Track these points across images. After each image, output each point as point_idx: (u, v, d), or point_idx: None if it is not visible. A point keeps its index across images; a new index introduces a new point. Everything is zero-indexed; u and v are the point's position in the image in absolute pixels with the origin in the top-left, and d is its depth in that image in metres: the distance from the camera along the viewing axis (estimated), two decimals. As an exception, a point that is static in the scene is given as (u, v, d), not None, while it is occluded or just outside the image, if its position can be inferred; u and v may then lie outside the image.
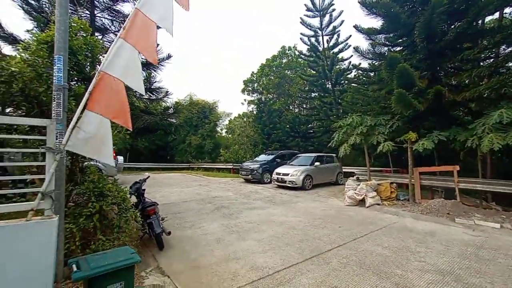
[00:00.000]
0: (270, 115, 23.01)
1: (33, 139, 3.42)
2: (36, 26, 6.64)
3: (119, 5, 7.97)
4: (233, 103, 74.69)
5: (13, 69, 3.03)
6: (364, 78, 12.65)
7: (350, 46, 17.98)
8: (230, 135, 33.24)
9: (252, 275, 3.59)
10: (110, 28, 8.07)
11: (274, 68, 30.80)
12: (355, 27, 10.63)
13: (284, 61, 30.99)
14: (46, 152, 2.16)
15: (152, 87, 8.70)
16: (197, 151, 27.05)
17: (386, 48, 10.83)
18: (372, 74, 12.22)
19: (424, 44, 8.67)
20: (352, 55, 16.73)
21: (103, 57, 5.15)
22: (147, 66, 7.34)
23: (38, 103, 3.51)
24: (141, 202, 4.90)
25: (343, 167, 13.91)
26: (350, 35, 18.30)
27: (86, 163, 4.24)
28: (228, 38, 76.22)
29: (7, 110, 4.01)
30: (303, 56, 22.15)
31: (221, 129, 35.83)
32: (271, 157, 14.75)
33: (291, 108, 29.03)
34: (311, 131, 21.47)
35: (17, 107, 3.43)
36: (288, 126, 22.19)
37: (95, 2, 7.72)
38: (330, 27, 18.68)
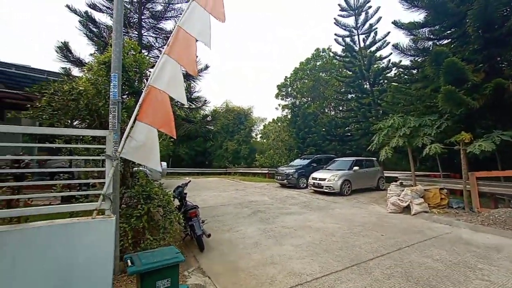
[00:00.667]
0: (304, 119, 22.69)
1: (93, 148, 3.90)
2: (96, 49, 7.64)
3: (162, 23, 8.77)
4: (267, 108, 75.36)
5: (80, 88, 3.51)
6: (405, 76, 11.84)
7: (388, 43, 16.95)
8: (265, 140, 33.50)
9: (290, 280, 3.58)
10: (154, 45, 8.89)
11: (308, 71, 30.40)
12: (394, 23, 10.07)
13: (318, 63, 30.43)
14: (106, 159, 2.48)
15: (192, 96, 9.29)
16: (233, 156, 27.79)
17: (430, 43, 10.01)
18: (415, 71, 11.37)
19: (479, 33, 7.79)
20: (391, 53, 15.72)
21: (149, 71, 5.68)
22: (187, 77, 7.86)
23: (98, 116, 4.00)
24: (184, 205, 5.21)
25: (384, 171, 13.07)
26: (389, 32, 17.19)
27: (135, 168, 4.69)
28: (247, 43, 77.28)
29: (74, 123, 4.65)
30: (338, 57, 21.51)
31: (256, 135, 36.31)
32: (306, 161, 14.51)
33: (326, 111, 28.27)
34: (349, 134, 20.61)
35: (82, 120, 3.95)
36: (324, 129, 21.62)
37: (142, 22, 8.58)
38: (366, 26, 17.89)
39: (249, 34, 78.96)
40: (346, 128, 20.86)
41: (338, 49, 26.92)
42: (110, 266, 2.31)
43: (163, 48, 10.54)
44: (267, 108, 75.82)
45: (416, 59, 10.65)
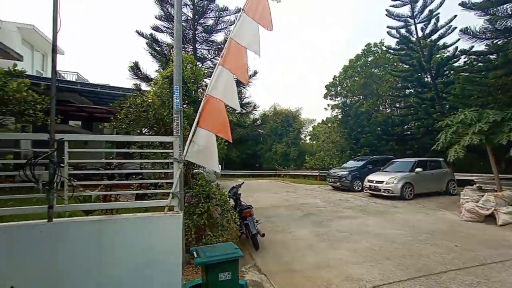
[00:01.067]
0: (357, 119, 21.41)
1: (160, 152, 4.43)
2: (159, 65, 8.71)
3: (213, 36, 9.45)
4: (315, 110, 73.39)
5: (149, 100, 4.05)
6: (480, 64, 10.24)
7: (454, 29, 14.71)
8: (314, 142, 32.68)
9: (348, 285, 3.47)
10: (207, 57, 9.64)
11: (358, 69, 28.70)
12: (463, 4, 8.86)
13: (369, 59, 28.47)
14: (173, 162, 2.82)
15: (243, 102, 9.76)
16: (282, 158, 27.84)
17: (513, 21, 8.50)
18: (493, 57, 9.76)
19: None
20: (458, 39, 13.44)
21: (205, 81, 6.19)
22: (238, 84, 8.34)
23: (163, 124, 4.53)
24: (238, 205, 5.49)
25: (455, 173, 11.46)
26: (455, 16, 14.91)
27: (195, 170, 5.14)
28: (288, 46, 75.92)
29: (143, 131, 5.35)
30: (392, 51, 19.79)
31: (305, 136, 35.68)
32: (361, 163, 13.69)
33: (381, 109, 26.18)
34: (408, 132, 18.69)
35: (151, 128, 4.53)
36: (379, 128, 20.06)
37: (196, 37, 9.41)
38: (425, 12, 16.03)
39: (291, 37, 78.33)
40: (405, 127, 18.96)
41: (392, 42, 24.75)
42: (180, 255, 2.61)
43: (215, 59, 11.46)
44: (315, 109, 73.89)
45: (494, 42, 9.14)
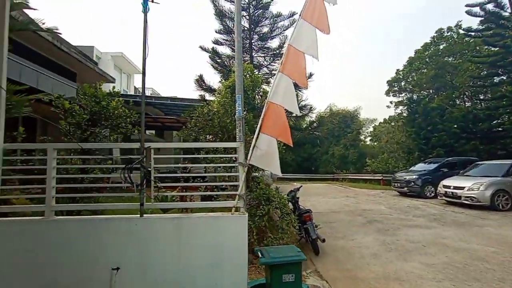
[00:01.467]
0: (426, 115, 18.94)
1: (223, 157, 4.78)
2: (221, 76, 9.45)
3: (268, 42, 9.76)
4: (376, 108, 67.77)
5: (214, 109, 4.45)
6: None
7: None
8: (375, 143, 30.26)
9: (424, 302, 3.15)
10: (263, 64, 9.99)
11: (427, 59, 25.48)
12: None
13: (441, 47, 24.98)
14: (239, 165, 3.05)
15: (299, 105, 9.79)
16: (340, 161, 26.50)
17: None
18: None
19: None
20: None
21: (263, 88, 6.44)
22: (294, 87, 8.37)
23: (226, 131, 4.90)
24: (297, 208, 5.50)
25: None
26: None
27: (254, 174, 5.37)
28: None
29: (207, 137, 5.85)
30: (472, 33, 16.97)
31: (365, 137, 33.30)
32: (433, 166, 12.12)
33: (458, 102, 22.61)
34: (500, 128, 15.67)
35: (215, 135, 4.94)
36: (456, 126, 17.40)
37: (253, 46, 9.85)
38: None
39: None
40: (494, 122, 15.98)
41: (472, 23, 21.22)
42: (245, 254, 2.80)
43: (270, 66, 11.83)
44: (376, 108, 68.20)
45: None
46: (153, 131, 14.07)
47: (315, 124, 11.12)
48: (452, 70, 22.93)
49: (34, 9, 4.68)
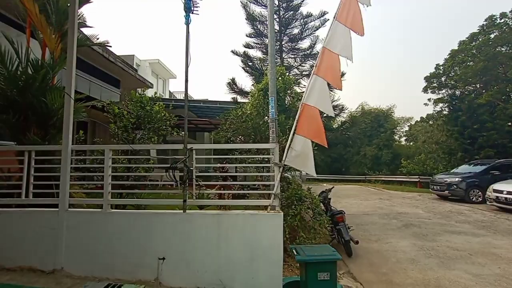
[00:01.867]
0: (472, 113, 17.36)
1: (256, 157, 4.93)
2: (252, 79, 9.69)
3: (299, 44, 9.75)
4: (412, 106, 63.57)
5: (248, 112, 4.62)
6: None
7: None
8: (411, 143, 28.46)
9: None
10: (293, 65, 10.00)
11: (473, 51, 23.20)
12: None
13: (492, 36, 22.57)
14: (274, 166, 3.17)
15: (331, 106, 9.62)
16: (373, 162, 25.36)
17: None
18: None
19: None
20: None
21: (295, 90, 6.49)
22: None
23: (258, 132, 5.05)
24: (329, 209, 5.47)
25: None
26: None
27: (285, 174, 5.45)
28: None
29: (238, 138, 6.05)
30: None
31: (400, 137, 31.45)
32: (481, 168, 11.13)
33: (512, 97, 20.29)
34: None
35: (248, 137, 5.11)
36: (510, 123, 15.68)
37: (283, 47, 9.92)
38: None
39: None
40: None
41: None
42: (281, 251, 2.91)
43: (301, 67, 11.78)
44: (412, 106, 63.98)
45: None
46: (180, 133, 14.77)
47: (347, 124, 10.83)
48: (506, 61, 20.62)
49: (90, 27, 5.29)
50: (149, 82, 10.18)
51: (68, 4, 4.71)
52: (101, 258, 2.97)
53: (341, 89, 3.35)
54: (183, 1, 3.36)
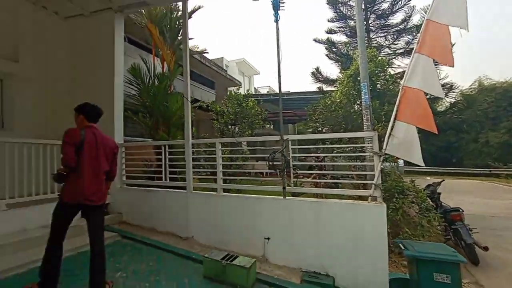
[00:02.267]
0: None
1: (350, 146, 4.74)
2: (338, 65, 9.25)
3: (389, 20, 8.55)
4: None
5: (337, 100, 4.50)
6: None
7: None
8: None
9: None
10: (383, 44, 8.89)
11: None
12: None
13: None
14: (373, 155, 3.02)
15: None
16: (500, 151, 19.75)
17: None
18: None
19: None
20: None
21: (387, 72, 5.85)
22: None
23: (350, 121, 4.84)
24: (439, 205, 4.76)
25: None
26: None
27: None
28: None
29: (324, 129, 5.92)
30: None
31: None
32: None
33: None
34: None
35: (339, 126, 4.97)
36: None
37: (370, 27, 8.96)
38: None
39: None
40: None
41: None
42: (385, 244, 2.75)
43: (393, 45, 10.34)
44: None
45: None
46: (271, 125, 15.48)
47: (459, 105, 8.89)
48: None
49: (192, 39, 6.24)
50: (237, 81, 11.13)
51: (179, 21, 5.70)
52: (218, 232, 3.59)
53: (453, 66, 2.84)
54: (272, 0, 3.58)
